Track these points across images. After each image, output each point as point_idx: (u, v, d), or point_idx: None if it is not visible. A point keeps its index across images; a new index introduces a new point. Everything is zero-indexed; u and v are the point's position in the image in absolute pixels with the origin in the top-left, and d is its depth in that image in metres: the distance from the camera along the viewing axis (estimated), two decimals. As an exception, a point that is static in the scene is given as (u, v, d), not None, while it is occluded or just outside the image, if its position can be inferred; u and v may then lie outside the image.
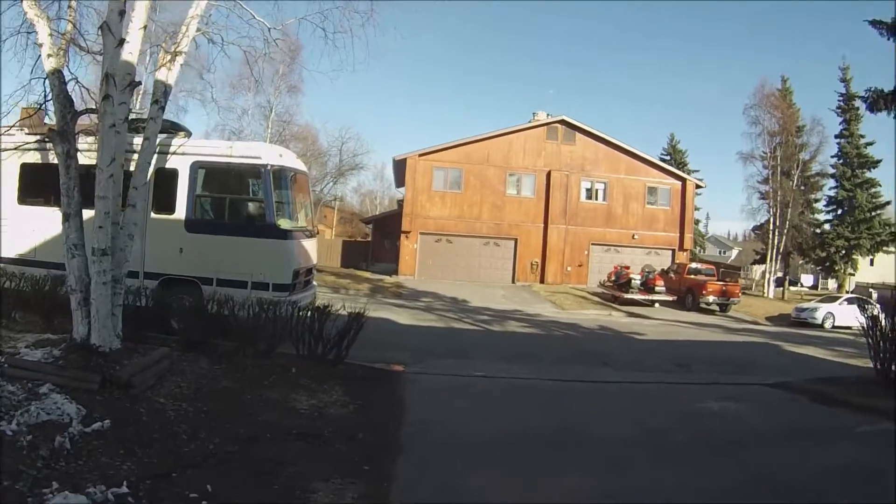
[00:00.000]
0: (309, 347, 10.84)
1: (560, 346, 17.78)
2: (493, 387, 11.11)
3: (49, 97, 9.90)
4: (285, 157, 13.65)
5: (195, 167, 13.01)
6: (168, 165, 13.05)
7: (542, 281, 38.63)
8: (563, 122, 40.32)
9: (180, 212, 12.97)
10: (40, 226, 13.28)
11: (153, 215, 13.00)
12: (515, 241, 39.60)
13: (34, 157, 13.42)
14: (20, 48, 10.47)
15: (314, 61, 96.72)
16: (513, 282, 38.79)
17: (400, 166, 41.70)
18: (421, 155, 39.49)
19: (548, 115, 41.20)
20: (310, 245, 14.33)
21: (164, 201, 13.04)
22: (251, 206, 12.56)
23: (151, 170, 12.85)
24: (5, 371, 7.78)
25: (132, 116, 10.29)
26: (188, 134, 14.28)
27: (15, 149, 13.01)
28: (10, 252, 13.51)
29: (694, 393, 11.62)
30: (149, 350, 9.27)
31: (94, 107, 9.44)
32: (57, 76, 9.38)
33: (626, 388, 12.01)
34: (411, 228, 39.01)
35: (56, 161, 9.87)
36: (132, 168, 10.16)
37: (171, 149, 13.08)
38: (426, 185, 39.47)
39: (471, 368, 12.56)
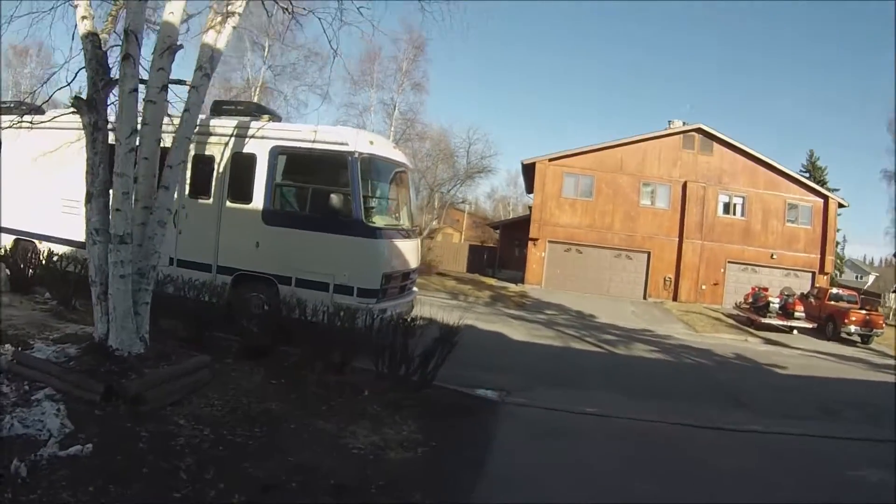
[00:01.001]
0: (390, 365, 8.93)
1: (690, 377, 14.96)
2: (607, 431, 8.85)
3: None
4: (378, 145, 11.94)
5: (275, 152, 11.50)
6: (246, 150, 11.69)
7: (674, 298, 35.63)
8: (699, 130, 37.04)
9: (257, 201, 11.49)
10: None
11: (228, 204, 11.76)
12: (648, 254, 36.66)
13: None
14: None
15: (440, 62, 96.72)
16: (644, 298, 35.97)
17: (529, 171, 39.42)
18: (551, 160, 37.16)
19: (683, 122, 37.98)
20: (408, 246, 12.47)
21: (241, 189, 11.67)
22: (335, 199, 10.73)
23: (228, 154, 11.75)
24: (12, 368, 7.00)
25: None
26: (277, 119, 12.81)
27: None
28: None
29: (847, 453, 9.10)
30: (184, 357, 7.81)
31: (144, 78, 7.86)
32: (91, 40, 7.95)
33: (768, 441, 9.36)
34: (539, 236, 36.71)
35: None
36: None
37: (250, 132, 11.69)
38: (556, 192, 37.06)
39: (584, 401, 10.25)
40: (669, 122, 38.56)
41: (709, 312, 31.60)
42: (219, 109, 12.62)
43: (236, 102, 12.50)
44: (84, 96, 7.98)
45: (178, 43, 8.03)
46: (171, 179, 8.03)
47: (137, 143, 7.52)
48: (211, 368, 8.07)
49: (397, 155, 12.81)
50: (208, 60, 8.31)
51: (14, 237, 14.05)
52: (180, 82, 8.43)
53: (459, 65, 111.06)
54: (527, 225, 38.21)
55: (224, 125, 12.00)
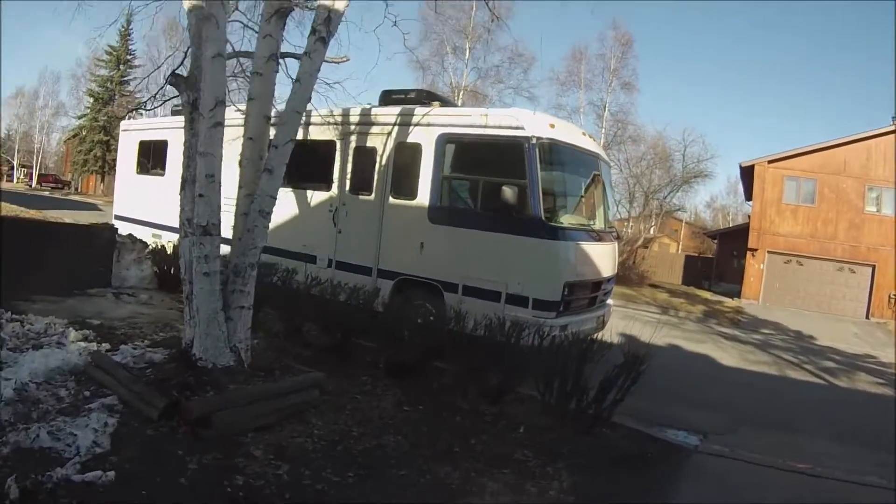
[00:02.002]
0: (559, 396, 7.13)
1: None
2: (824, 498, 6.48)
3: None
4: (561, 130, 9.87)
5: (442, 141, 9.94)
6: (410, 140, 10.29)
7: (899, 318, 31.08)
8: (929, 123, 31.89)
9: (423, 197, 10.01)
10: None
11: (391, 200, 10.44)
12: (873, 267, 31.91)
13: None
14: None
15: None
16: (867, 317, 31.48)
17: (747, 174, 35.79)
18: (770, 162, 33.43)
19: None
20: (601, 251, 10.46)
21: (404, 184, 10.28)
22: (509, 193, 8.96)
23: (391, 145, 10.48)
24: (88, 369, 6.24)
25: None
26: (449, 105, 11.28)
27: None
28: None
29: None
30: (290, 373, 6.72)
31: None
32: (195, 12, 6.81)
33: None
34: (758, 246, 33.19)
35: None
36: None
37: (414, 119, 10.26)
38: (776, 197, 33.33)
39: (795, 451, 7.89)
40: (894, 118, 33.51)
41: (939, 335, 27.01)
42: (387, 99, 11.34)
43: (405, 91, 11.01)
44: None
45: (290, 5, 7.22)
46: (276, 161, 6.80)
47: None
48: (321, 388, 6.72)
49: (588, 143, 10.73)
50: (324, 23, 6.95)
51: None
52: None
53: (676, 63, 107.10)
54: (745, 234, 34.84)
55: (387, 113, 10.75)
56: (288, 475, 4.88)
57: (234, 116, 11.77)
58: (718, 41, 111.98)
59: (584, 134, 10.83)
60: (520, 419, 7.00)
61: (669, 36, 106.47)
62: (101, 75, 60.71)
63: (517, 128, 9.25)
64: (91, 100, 60.92)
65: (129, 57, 60.36)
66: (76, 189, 66.62)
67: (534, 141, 9.04)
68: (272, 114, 7.42)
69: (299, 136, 11.72)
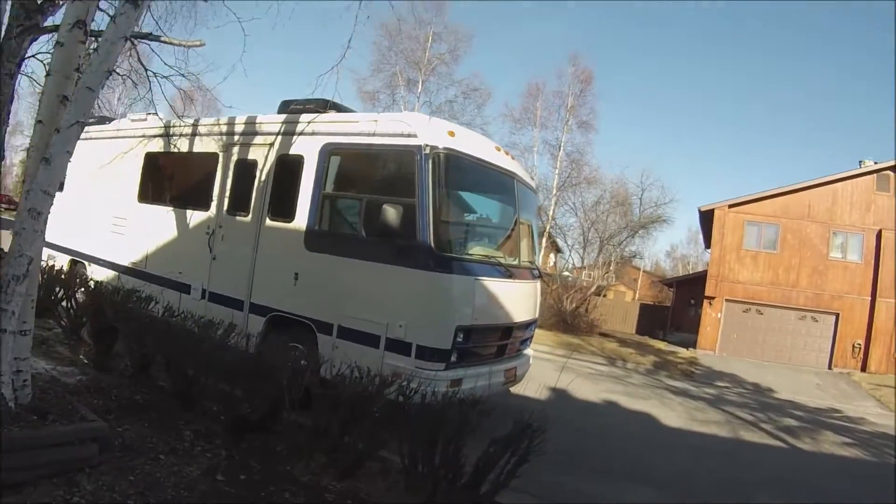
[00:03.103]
0: (429, 473, 5.25)
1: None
2: None
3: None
4: (462, 140, 7.96)
5: (325, 152, 8.16)
6: (292, 151, 8.52)
7: (863, 368, 29.38)
8: (896, 168, 30.95)
9: (300, 219, 8.19)
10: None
11: (268, 222, 8.60)
12: (836, 316, 30.50)
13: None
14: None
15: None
16: (829, 367, 29.95)
17: (707, 220, 34.25)
18: (731, 206, 32.14)
19: (875, 162, 31.79)
20: (514, 290, 8.57)
21: (283, 203, 8.48)
22: (392, 214, 7.11)
23: (272, 157, 8.72)
24: None
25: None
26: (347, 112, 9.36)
27: None
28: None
29: None
30: (70, 420, 5.10)
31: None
32: None
33: None
34: (716, 294, 31.71)
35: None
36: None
37: (299, 127, 8.52)
38: (736, 243, 31.96)
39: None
40: (861, 161, 32.51)
41: (903, 386, 25.51)
42: (284, 110, 9.37)
43: (305, 101, 9.05)
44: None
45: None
46: (58, 149, 5.09)
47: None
48: (108, 443, 5.06)
49: (502, 160, 8.79)
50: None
51: (69, 258, 12.39)
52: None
53: (637, 104, 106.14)
54: (703, 282, 33.44)
55: (272, 122, 9.04)
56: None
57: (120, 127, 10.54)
58: (687, 78, 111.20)
59: (497, 149, 8.87)
60: (374, 498, 5.31)
61: (630, 76, 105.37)
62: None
63: (408, 135, 7.46)
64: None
65: None
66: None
67: (426, 151, 7.23)
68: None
69: (183, 147, 10.24)
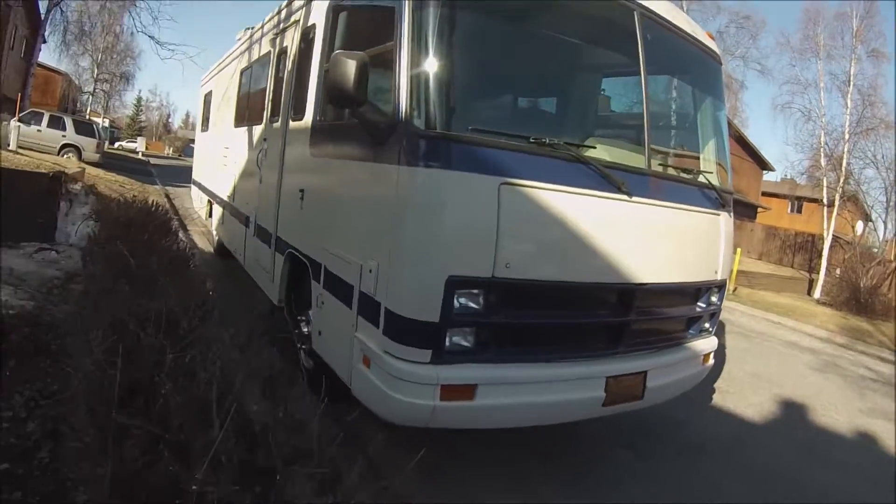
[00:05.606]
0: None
1: None
2: None
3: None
4: None
5: (333, 11, 5.15)
6: (310, 21, 5.73)
7: None
8: None
9: (309, 113, 5.42)
10: None
11: (291, 124, 6.01)
12: None
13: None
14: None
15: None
16: None
17: None
18: None
19: None
20: (647, 224, 4.39)
21: (299, 94, 5.81)
22: (346, 70, 3.72)
23: (297, 36, 6.15)
24: None
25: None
26: None
27: None
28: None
29: None
30: None
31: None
32: None
33: None
34: None
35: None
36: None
37: (314, -10, 5.73)
38: None
39: None
40: None
41: None
42: None
43: None
44: None
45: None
46: None
47: None
48: None
49: None
50: None
51: (207, 199, 11.37)
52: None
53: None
54: None
55: None
56: None
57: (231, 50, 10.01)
58: None
59: None
60: None
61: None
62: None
63: None
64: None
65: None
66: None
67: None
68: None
69: (256, 53, 8.31)
